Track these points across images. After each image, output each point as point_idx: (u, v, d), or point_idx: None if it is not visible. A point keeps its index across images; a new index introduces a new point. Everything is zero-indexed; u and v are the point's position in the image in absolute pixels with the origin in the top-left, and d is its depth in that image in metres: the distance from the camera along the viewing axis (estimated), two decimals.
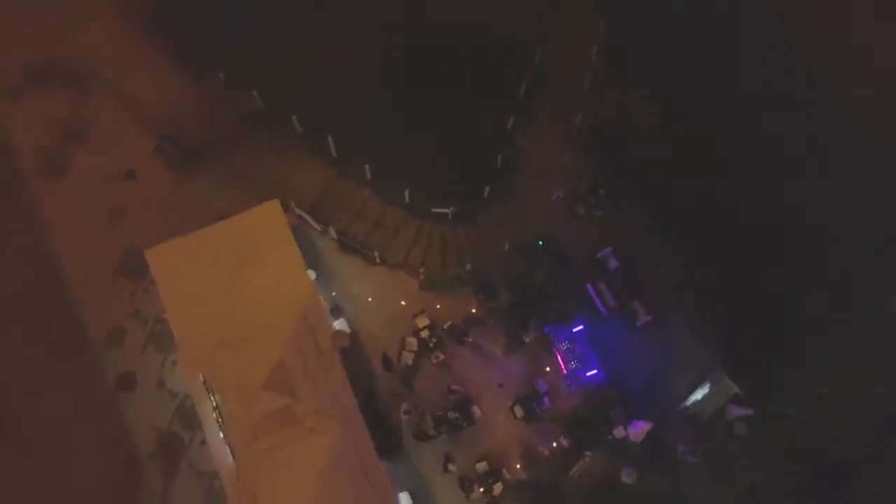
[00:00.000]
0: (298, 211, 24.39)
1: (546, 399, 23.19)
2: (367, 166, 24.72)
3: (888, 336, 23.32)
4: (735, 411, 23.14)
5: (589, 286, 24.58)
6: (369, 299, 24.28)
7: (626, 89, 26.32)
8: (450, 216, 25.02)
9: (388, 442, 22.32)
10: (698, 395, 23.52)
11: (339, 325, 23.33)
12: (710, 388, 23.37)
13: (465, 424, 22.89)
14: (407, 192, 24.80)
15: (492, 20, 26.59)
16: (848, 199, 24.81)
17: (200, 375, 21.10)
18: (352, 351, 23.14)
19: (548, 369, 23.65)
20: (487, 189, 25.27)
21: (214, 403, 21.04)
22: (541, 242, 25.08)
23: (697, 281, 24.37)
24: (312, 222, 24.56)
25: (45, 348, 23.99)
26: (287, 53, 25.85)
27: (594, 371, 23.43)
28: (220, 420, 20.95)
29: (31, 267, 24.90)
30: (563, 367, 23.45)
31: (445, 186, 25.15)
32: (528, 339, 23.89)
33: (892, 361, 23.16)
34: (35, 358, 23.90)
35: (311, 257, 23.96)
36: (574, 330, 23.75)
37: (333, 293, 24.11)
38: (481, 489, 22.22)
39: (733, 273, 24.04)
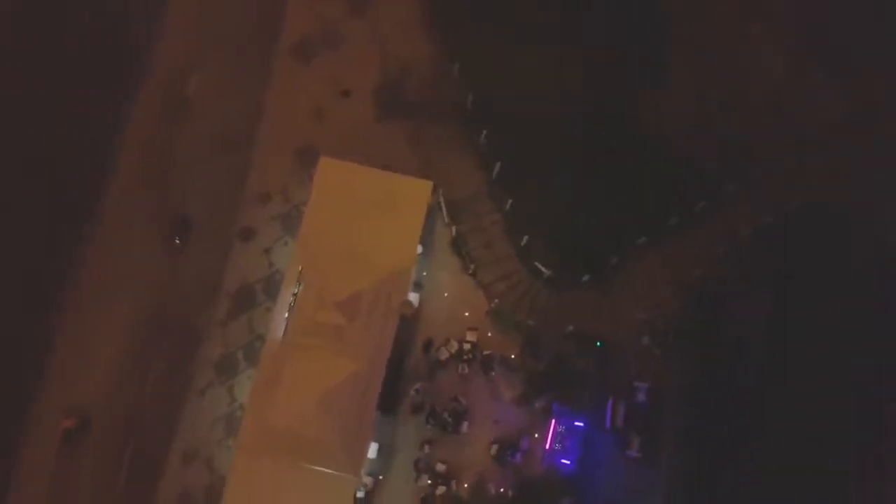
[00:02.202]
0: (441, 198, 28.76)
1: (519, 455, 26.64)
2: (510, 201, 28.76)
3: None
4: None
5: (611, 399, 27.58)
6: (445, 294, 28.48)
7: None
8: (544, 276, 28.69)
9: (389, 399, 26.50)
10: None
11: (413, 297, 27.69)
12: None
13: (450, 430, 26.73)
14: (526, 238, 28.65)
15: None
16: None
17: (301, 266, 26.09)
18: (409, 321, 27.44)
19: (536, 435, 27.01)
20: (587, 276, 28.71)
21: (296, 290, 25.99)
22: (599, 343, 28.26)
23: (697, 472, 26.56)
24: (444, 213, 28.90)
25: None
26: (515, 82, 29.83)
27: (568, 462, 26.61)
28: (291, 304, 25.88)
29: (238, 117, 30.56)
30: (548, 441, 26.74)
31: (559, 252, 28.61)
32: (537, 405, 27.34)
33: None
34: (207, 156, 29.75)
35: (426, 236, 28.24)
36: (575, 422, 26.94)
37: (424, 273, 28.49)
38: (428, 482, 26.11)
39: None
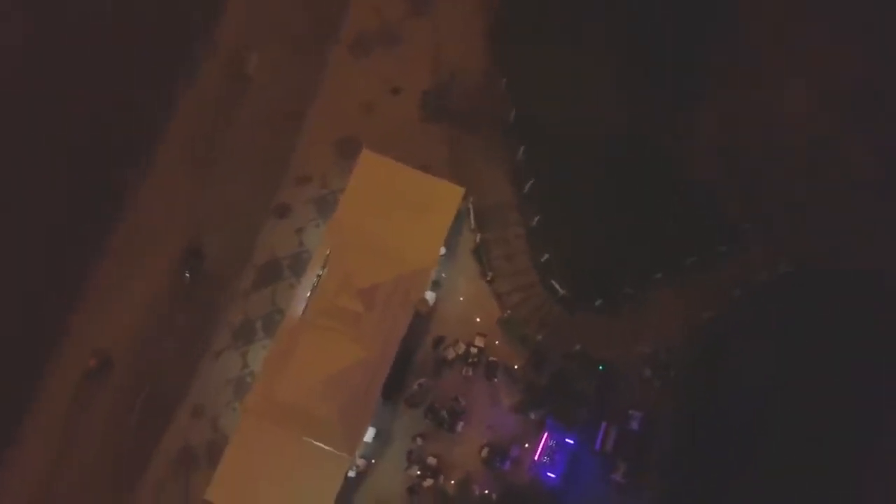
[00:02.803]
0: (470, 205, 29.83)
1: (508, 462, 27.67)
2: (537, 218, 29.73)
3: None
4: None
5: (605, 423, 28.45)
6: (461, 298, 29.57)
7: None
8: (559, 295, 29.64)
9: (393, 388, 27.73)
10: None
11: (430, 295, 28.82)
12: None
13: (446, 427, 27.85)
14: (546, 255, 29.61)
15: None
16: None
17: (329, 250, 27.37)
18: (422, 318, 28.61)
19: (527, 445, 27.99)
20: (600, 301, 29.58)
21: (321, 272, 27.29)
22: (601, 367, 29.12)
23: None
24: (472, 219, 29.93)
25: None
26: (558, 104, 30.73)
27: (553, 476, 27.58)
28: (315, 285, 27.18)
29: (290, 99, 31.85)
30: (537, 453, 27.72)
31: (577, 274, 29.53)
32: (532, 416, 28.32)
33: None
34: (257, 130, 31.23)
35: (451, 239, 29.26)
36: (566, 439, 27.89)
37: (443, 274, 29.62)
38: (418, 472, 27.26)
39: None
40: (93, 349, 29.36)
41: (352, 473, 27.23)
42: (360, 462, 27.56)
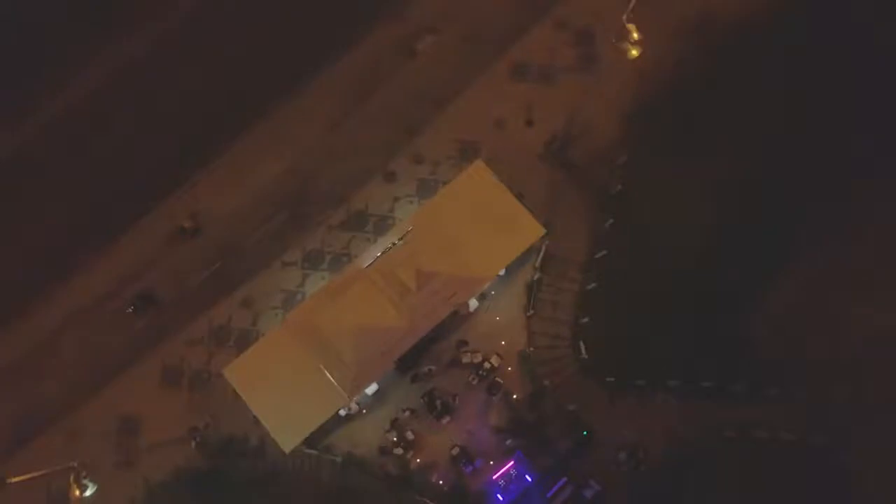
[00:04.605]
0: (543, 246, 32.67)
1: (470, 468, 30.78)
2: (594, 285, 32.41)
3: None
4: None
5: (564, 479, 31.07)
6: (497, 318, 32.69)
7: None
8: (582, 354, 32.32)
9: (407, 360, 31.18)
10: None
11: (472, 303, 32.08)
12: None
13: (434, 415, 31.15)
14: (586, 319, 32.31)
15: None
16: None
17: (410, 227, 30.95)
18: (458, 318, 31.93)
19: (492, 462, 30.96)
20: (612, 379, 32.06)
21: (396, 242, 30.80)
22: (585, 433, 31.70)
23: None
24: (538, 259, 32.79)
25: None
26: (662, 212, 33.04)
27: (501, 500, 30.51)
28: (387, 249, 30.75)
29: (441, 85, 35.32)
30: (497, 474, 30.55)
31: (604, 347, 32.04)
32: (508, 442, 31.31)
33: None
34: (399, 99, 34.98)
35: (514, 265, 32.11)
36: (526, 475, 30.71)
37: (493, 291, 32.81)
38: (394, 439, 30.74)
39: None
40: (192, 213, 34.04)
41: (343, 412, 30.96)
42: (354, 407, 31.25)
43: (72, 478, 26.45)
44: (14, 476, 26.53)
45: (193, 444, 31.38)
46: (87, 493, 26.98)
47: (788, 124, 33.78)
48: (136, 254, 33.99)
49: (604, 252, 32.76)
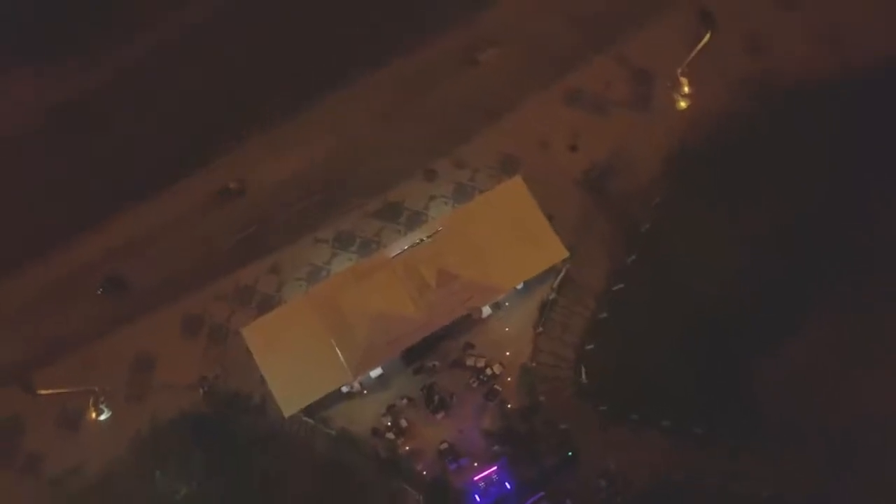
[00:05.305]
0: (563, 269, 33.79)
1: (455, 466, 32.00)
2: (606, 315, 33.37)
3: None
4: None
5: (542, 494, 31.97)
6: (507, 329, 33.87)
7: None
8: (582, 378, 33.30)
9: (414, 352, 32.51)
10: None
11: (486, 310, 33.31)
12: None
13: (430, 408, 32.42)
14: (593, 346, 33.27)
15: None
16: None
17: (440, 227, 32.26)
18: (469, 321, 33.15)
19: (476, 464, 32.12)
20: (606, 408, 32.97)
21: (424, 238, 32.16)
22: (570, 453, 32.65)
23: None
24: (557, 280, 33.89)
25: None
26: (692, 256, 33.81)
27: (478, 500, 31.68)
28: (415, 244, 32.11)
29: (490, 96, 36.58)
30: (479, 475, 31.75)
31: (605, 375, 32.93)
32: (495, 447, 32.43)
33: None
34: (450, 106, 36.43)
35: (533, 281, 33.43)
36: (506, 482, 31.79)
37: (507, 303, 33.99)
38: (388, 423, 32.10)
39: None
40: (239, 177, 35.79)
41: (345, 389, 32.41)
42: (356, 386, 32.69)
43: (91, 400, 28.19)
44: (43, 389, 28.37)
45: (201, 391, 33.08)
46: (103, 416, 28.77)
47: (832, 187, 34.36)
48: (188, 204, 35.77)
49: (621, 285, 33.72)
